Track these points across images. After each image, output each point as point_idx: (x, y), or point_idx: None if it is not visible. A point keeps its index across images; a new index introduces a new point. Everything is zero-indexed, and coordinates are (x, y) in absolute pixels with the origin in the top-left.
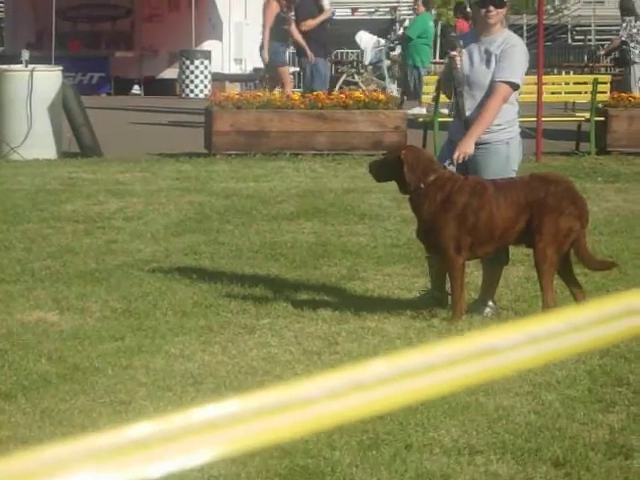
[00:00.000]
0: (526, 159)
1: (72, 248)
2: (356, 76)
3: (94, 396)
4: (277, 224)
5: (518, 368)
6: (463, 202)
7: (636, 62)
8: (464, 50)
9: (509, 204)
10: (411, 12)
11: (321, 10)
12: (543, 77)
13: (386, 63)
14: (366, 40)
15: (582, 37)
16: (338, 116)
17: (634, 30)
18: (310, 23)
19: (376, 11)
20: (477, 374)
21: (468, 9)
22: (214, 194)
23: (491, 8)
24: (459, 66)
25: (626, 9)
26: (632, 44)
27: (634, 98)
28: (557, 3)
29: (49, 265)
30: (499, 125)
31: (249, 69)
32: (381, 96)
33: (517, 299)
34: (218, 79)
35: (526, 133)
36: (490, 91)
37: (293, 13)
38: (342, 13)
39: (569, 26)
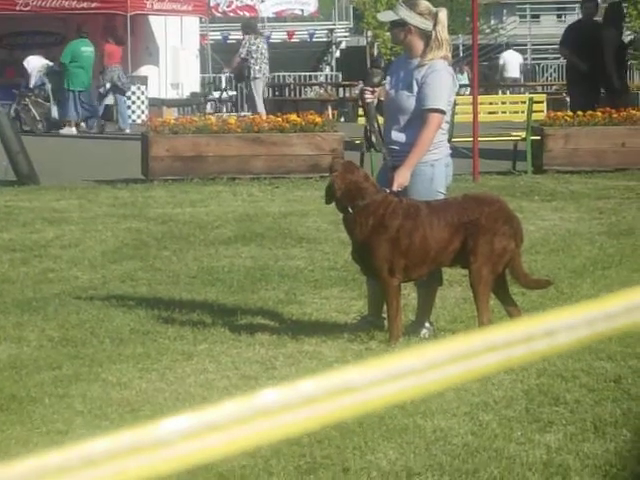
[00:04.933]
0: (463, 179)
1: (9, 277)
2: (26, 99)
3: (31, 426)
4: (214, 249)
5: (376, 406)
6: (396, 225)
7: (257, 77)
8: (392, 75)
9: (442, 226)
10: (347, 33)
11: None
12: (479, 97)
13: (49, 86)
14: (33, 64)
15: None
16: (274, 139)
17: (253, 47)
18: None
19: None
20: (334, 412)
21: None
22: (151, 220)
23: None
24: (368, 101)
25: (247, 27)
26: (252, 60)
27: (570, 117)
28: (493, 22)
29: None
30: None
31: (186, 94)
32: (317, 119)
33: (454, 320)
34: (155, 104)
35: (462, 153)
36: (417, 118)
37: None
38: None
39: (504, 45)
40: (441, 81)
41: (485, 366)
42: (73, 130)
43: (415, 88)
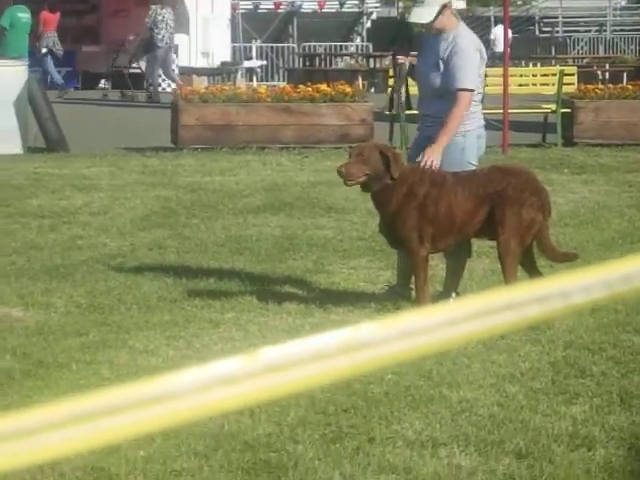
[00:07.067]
0: (492, 151)
1: (37, 244)
2: None
3: (58, 392)
4: (243, 218)
5: (391, 362)
6: (423, 193)
7: (160, 47)
8: (421, 52)
9: (468, 195)
10: (378, 4)
11: None
12: (510, 69)
13: None
14: None
15: (549, 29)
16: (304, 109)
17: (159, 17)
18: None
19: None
20: (347, 368)
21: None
22: (180, 188)
23: None
24: (401, 61)
25: None
26: (156, 30)
27: (600, 90)
28: None
29: (14, 261)
30: None
31: (216, 63)
32: (347, 89)
33: (482, 291)
34: (185, 73)
35: (493, 125)
36: (447, 92)
37: None
38: (309, 7)
39: (536, 18)
40: (466, 59)
41: (501, 324)
42: None
43: (441, 65)
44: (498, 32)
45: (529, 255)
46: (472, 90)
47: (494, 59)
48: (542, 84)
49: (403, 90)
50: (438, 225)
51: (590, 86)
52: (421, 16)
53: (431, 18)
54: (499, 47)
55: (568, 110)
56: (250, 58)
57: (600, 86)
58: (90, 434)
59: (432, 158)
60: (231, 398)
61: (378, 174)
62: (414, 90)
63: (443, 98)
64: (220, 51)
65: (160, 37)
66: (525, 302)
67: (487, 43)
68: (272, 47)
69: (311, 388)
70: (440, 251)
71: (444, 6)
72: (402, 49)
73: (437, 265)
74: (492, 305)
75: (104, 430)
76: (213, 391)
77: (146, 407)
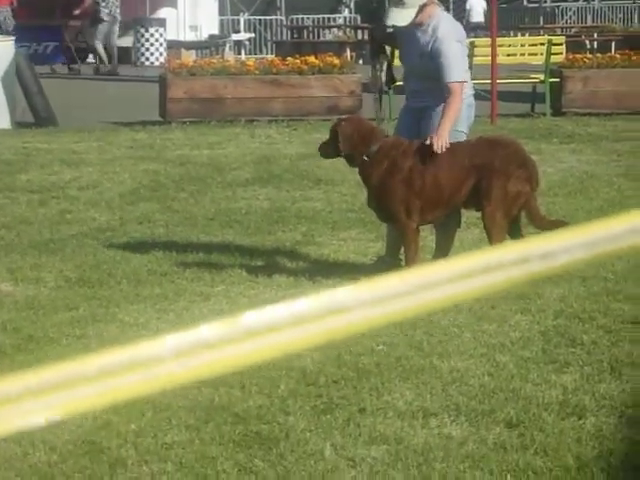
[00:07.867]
0: (481, 121)
1: (26, 218)
2: None
3: (49, 366)
4: (232, 191)
5: (365, 327)
6: (408, 165)
7: (105, 20)
8: (403, 42)
9: (455, 167)
10: None
11: None
12: (498, 39)
13: None
14: None
15: None
16: (292, 82)
17: None
18: None
19: None
20: (324, 332)
21: None
22: (169, 162)
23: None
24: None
25: None
26: (103, 3)
27: (589, 59)
28: None
29: (3, 235)
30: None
31: (204, 36)
32: (336, 61)
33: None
34: (173, 46)
35: (481, 95)
36: (434, 75)
37: None
38: None
39: None
40: (448, 52)
41: (482, 287)
42: None
43: (425, 57)
44: (473, 2)
45: (516, 226)
46: (462, 81)
47: (469, 30)
48: (530, 54)
49: (384, 67)
50: (425, 197)
51: (578, 55)
52: (402, 19)
53: (410, 19)
54: (475, 17)
55: (557, 80)
56: (238, 31)
57: (588, 55)
58: (69, 401)
59: (441, 142)
60: (211, 364)
61: (337, 152)
62: (398, 62)
63: (431, 79)
64: (208, 24)
65: (107, 11)
66: (507, 263)
67: (463, 14)
68: (260, 20)
69: (290, 353)
70: (429, 223)
71: (424, 5)
72: (379, 25)
73: (426, 237)
74: (472, 267)
75: (82, 397)
76: (193, 357)
77: (124, 374)
